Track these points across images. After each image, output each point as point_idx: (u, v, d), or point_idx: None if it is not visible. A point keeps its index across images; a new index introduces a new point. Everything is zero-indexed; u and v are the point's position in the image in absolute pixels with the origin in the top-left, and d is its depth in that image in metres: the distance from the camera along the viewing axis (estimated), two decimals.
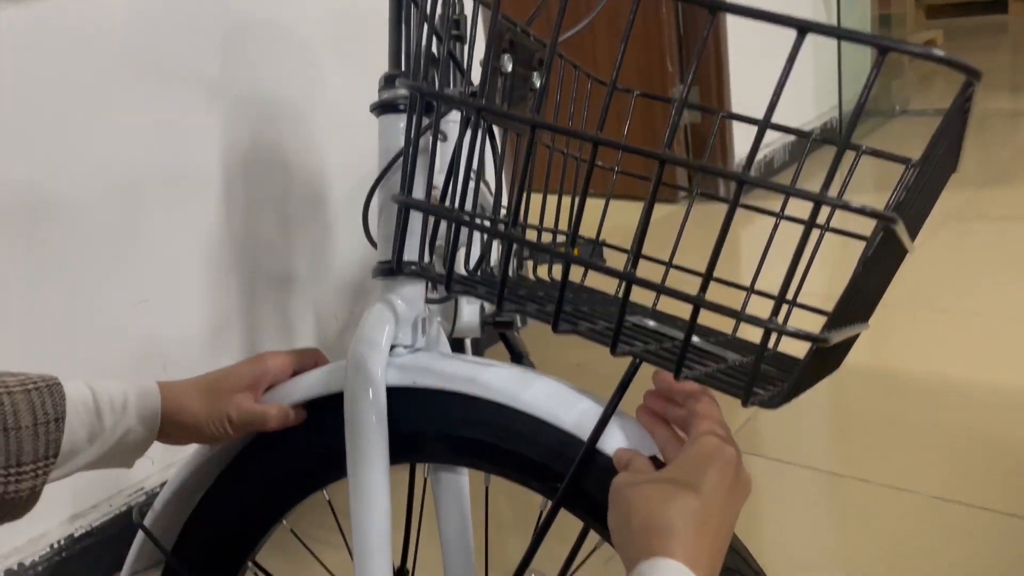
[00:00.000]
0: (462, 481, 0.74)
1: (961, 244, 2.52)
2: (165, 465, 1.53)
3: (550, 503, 0.63)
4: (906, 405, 1.72)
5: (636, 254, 0.46)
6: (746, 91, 3.14)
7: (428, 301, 0.72)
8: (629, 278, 0.45)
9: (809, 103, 3.66)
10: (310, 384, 0.71)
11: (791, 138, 3.50)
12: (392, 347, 0.69)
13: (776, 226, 0.69)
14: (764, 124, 0.43)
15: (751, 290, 0.68)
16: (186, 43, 1.45)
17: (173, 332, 1.50)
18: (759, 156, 3.22)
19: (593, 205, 0.63)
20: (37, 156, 1.29)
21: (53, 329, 1.33)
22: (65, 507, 1.40)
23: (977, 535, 1.31)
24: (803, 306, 0.66)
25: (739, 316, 0.43)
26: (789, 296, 0.69)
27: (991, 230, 2.62)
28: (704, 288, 0.44)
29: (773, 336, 0.46)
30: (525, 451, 0.63)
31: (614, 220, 0.82)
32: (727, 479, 0.51)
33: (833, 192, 0.47)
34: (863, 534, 1.35)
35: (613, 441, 0.59)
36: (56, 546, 1.37)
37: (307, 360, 0.75)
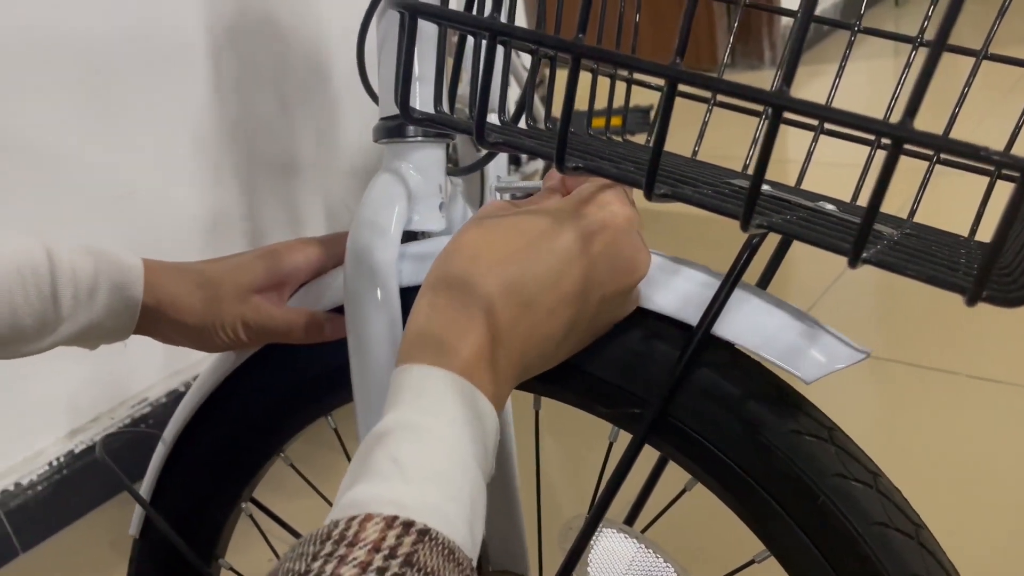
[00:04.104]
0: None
1: None
2: (170, 372, 1.40)
3: (628, 436, 0.47)
4: None
5: (790, 70, 0.28)
6: None
7: (451, 172, 0.55)
8: (781, 102, 0.27)
9: None
10: (338, 285, 0.54)
11: None
12: (406, 234, 0.52)
13: (976, 67, 0.50)
14: None
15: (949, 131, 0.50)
16: None
17: (166, 226, 1.33)
18: None
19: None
20: None
21: (26, 228, 1.17)
22: (62, 422, 1.28)
23: None
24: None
25: (990, 156, 0.25)
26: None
27: None
28: (912, 113, 0.27)
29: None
30: (588, 365, 0.47)
31: (653, 95, 0.63)
32: (594, 247, 0.39)
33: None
34: (916, 420, 1.21)
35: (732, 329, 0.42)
36: (55, 463, 1.26)
37: (341, 248, 0.58)
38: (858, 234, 0.28)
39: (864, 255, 0.29)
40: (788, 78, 0.28)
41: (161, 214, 1.32)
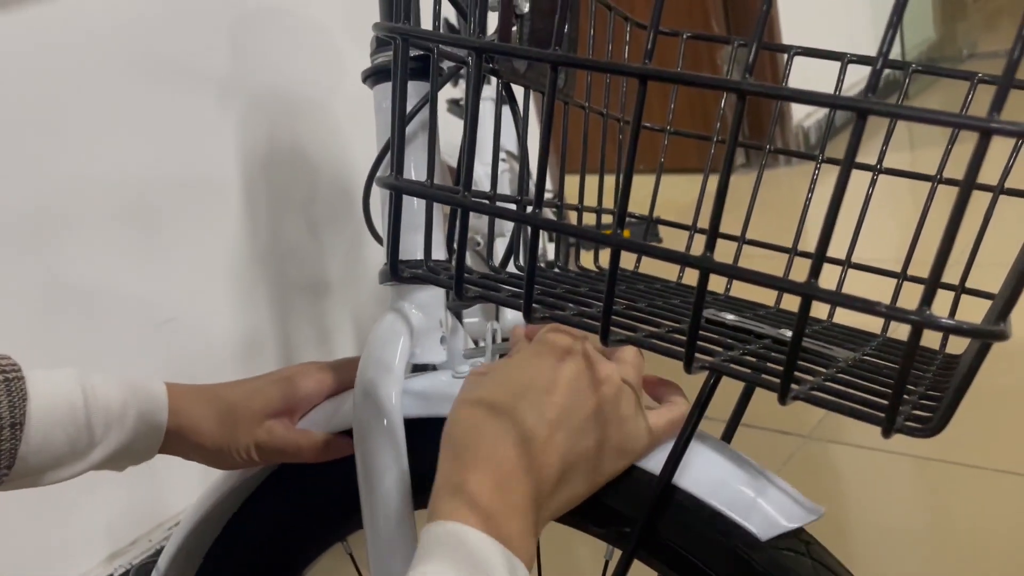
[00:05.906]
0: None
1: None
2: None
3: (618, 552, 0.50)
4: (1014, 378, 1.53)
5: (713, 233, 0.32)
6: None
7: (450, 306, 0.59)
8: (705, 266, 0.32)
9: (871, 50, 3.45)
10: (346, 410, 0.59)
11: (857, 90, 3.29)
12: (413, 366, 0.57)
13: (934, 190, 0.55)
14: (882, 61, 0.30)
15: (894, 274, 0.54)
16: (191, 39, 1.35)
17: (202, 351, 1.40)
18: (818, 116, 3.03)
19: (642, 183, 0.50)
20: (41, 170, 1.19)
21: (71, 356, 1.24)
22: (102, 546, 1.32)
23: None
24: (970, 290, 0.52)
25: (882, 312, 0.29)
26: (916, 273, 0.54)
27: None
28: (816, 273, 0.31)
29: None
30: None
31: (665, 196, 0.68)
32: (562, 385, 0.42)
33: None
34: (955, 518, 1.19)
35: (693, 475, 0.46)
36: None
37: (349, 373, 0.61)
38: (783, 377, 0.32)
39: (795, 391, 0.33)
40: (710, 244, 0.32)
41: (199, 338, 1.39)
